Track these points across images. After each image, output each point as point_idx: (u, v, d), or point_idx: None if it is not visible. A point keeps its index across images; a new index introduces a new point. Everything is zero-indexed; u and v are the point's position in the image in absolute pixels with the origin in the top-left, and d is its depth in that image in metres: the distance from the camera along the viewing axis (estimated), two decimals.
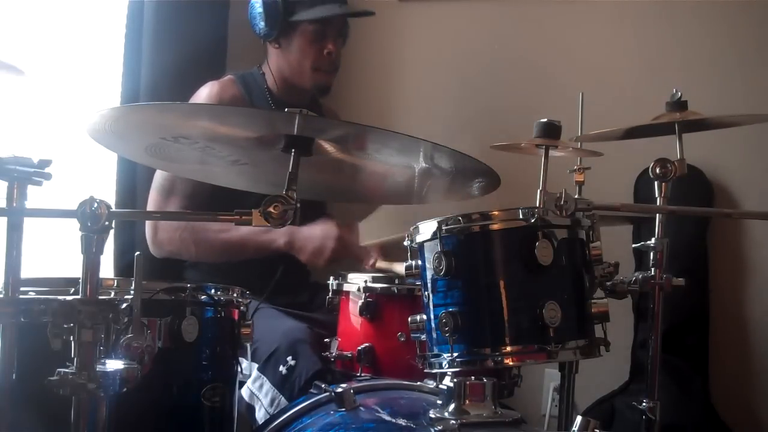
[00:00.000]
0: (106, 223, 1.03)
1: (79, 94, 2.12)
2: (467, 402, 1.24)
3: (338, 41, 2.26)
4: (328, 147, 1.27)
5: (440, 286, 1.35)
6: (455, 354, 1.30)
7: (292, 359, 1.83)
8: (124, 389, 1.03)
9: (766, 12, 2.33)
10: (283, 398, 1.81)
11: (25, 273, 1.05)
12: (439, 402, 1.29)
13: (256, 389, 1.86)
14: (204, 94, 2.18)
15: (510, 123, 2.43)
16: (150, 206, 2.13)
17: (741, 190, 2.38)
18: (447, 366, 1.31)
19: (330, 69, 2.26)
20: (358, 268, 1.95)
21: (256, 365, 1.87)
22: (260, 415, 1.84)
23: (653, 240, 1.48)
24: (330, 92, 2.31)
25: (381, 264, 2.05)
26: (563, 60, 2.53)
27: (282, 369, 1.83)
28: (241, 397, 1.80)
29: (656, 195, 1.47)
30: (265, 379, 1.86)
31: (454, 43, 2.68)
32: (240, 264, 2.14)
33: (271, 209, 1.10)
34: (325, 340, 1.80)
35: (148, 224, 2.15)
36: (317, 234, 2.09)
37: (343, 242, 2.08)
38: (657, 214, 1.48)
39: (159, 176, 2.12)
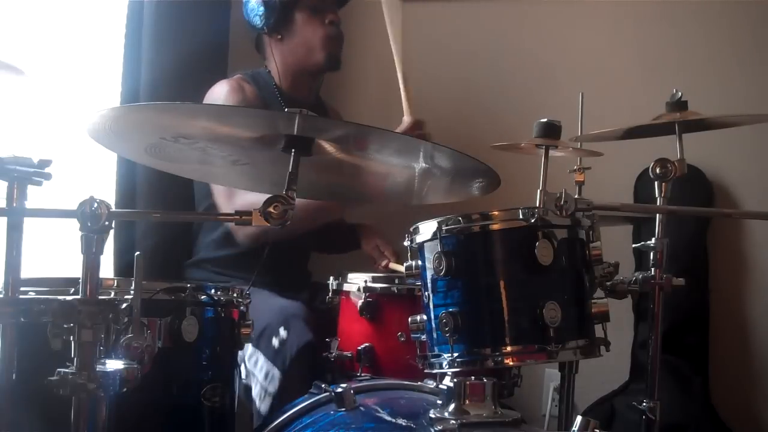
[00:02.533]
0: (106, 223, 1.02)
1: (79, 94, 2.11)
2: (467, 402, 1.24)
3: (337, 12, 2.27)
4: (329, 147, 1.27)
5: (440, 286, 1.35)
6: (455, 354, 1.30)
7: (284, 330, 1.84)
8: (124, 389, 1.03)
9: (765, 12, 2.33)
10: (276, 371, 1.82)
11: (25, 273, 1.05)
12: (439, 402, 1.29)
13: (251, 366, 1.87)
14: (218, 91, 2.17)
15: (510, 123, 2.43)
16: (219, 200, 2.10)
17: (741, 190, 2.38)
18: (447, 366, 1.32)
19: (339, 37, 2.26)
20: (361, 268, 1.95)
21: (250, 343, 1.88)
22: (256, 392, 1.85)
23: (653, 240, 1.47)
24: (341, 66, 2.31)
25: (393, 266, 2.03)
26: (563, 60, 2.53)
27: (274, 341, 1.84)
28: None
29: (656, 195, 1.47)
30: (259, 353, 1.87)
31: (454, 43, 2.68)
32: (237, 258, 2.14)
33: (271, 209, 1.10)
34: (326, 339, 1.81)
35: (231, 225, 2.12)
36: None
37: None
38: (657, 214, 1.48)
39: None
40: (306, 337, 1.82)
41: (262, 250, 2.14)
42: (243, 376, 1.87)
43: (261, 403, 1.83)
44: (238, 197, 2.01)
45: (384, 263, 2.10)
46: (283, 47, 2.26)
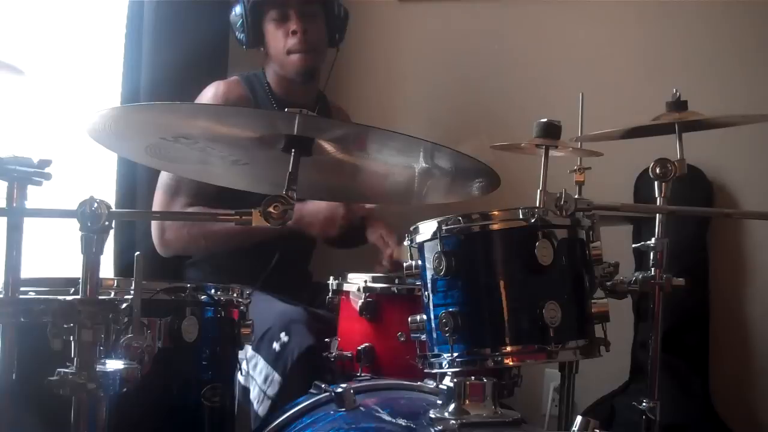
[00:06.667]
0: (106, 223, 1.03)
1: (79, 94, 2.11)
2: (467, 402, 1.24)
3: (305, 19, 2.19)
4: (328, 147, 1.27)
5: (440, 286, 1.35)
6: (455, 354, 1.30)
7: (285, 335, 1.84)
8: (124, 389, 1.03)
9: (766, 12, 2.33)
10: (276, 374, 1.83)
11: (25, 273, 1.05)
12: (439, 402, 1.29)
13: (250, 368, 1.87)
14: (209, 93, 2.18)
15: (510, 123, 2.43)
16: (156, 206, 2.12)
17: (741, 190, 2.38)
18: (447, 366, 1.31)
19: (302, 49, 2.19)
20: (361, 268, 1.94)
21: (250, 346, 1.88)
22: (254, 395, 1.85)
23: (653, 240, 1.47)
24: (315, 77, 2.29)
25: (398, 255, 2.02)
26: (563, 60, 2.53)
27: (275, 346, 1.84)
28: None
29: (656, 195, 1.47)
30: (259, 357, 1.87)
31: (454, 43, 2.68)
32: (239, 260, 2.14)
33: (271, 209, 1.10)
34: (326, 340, 1.81)
35: (154, 225, 2.14)
36: (323, 205, 2.08)
37: (350, 206, 2.08)
38: (657, 214, 1.48)
39: (165, 175, 2.12)
40: (307, 342, 1.82)
41: (265, 254, 2.16)
42: (242, 379, 1.87)
43: (259, 406, 1.83)
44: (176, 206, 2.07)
45: (388, 252, 2.09)
46: (268, 59, 2.27)
